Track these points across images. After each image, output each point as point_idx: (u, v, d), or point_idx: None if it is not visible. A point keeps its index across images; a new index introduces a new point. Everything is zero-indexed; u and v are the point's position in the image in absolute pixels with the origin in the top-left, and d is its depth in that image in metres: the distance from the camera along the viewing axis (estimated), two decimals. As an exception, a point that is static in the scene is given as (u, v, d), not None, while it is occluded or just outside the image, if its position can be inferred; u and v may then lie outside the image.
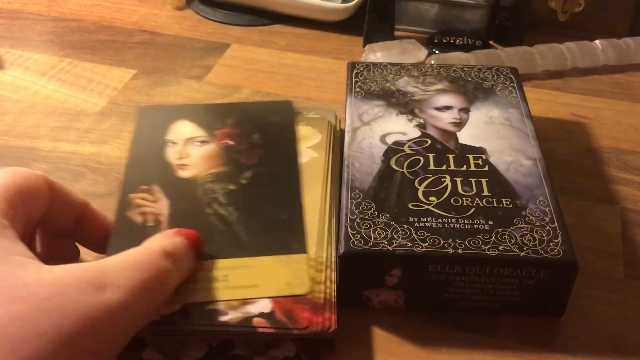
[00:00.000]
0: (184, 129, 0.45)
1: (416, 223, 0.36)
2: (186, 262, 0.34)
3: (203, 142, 0.43)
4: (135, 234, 0.37)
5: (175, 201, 0.39)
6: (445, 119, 0.44)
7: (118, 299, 0.28)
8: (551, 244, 0.35)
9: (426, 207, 0.37)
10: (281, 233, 0.37)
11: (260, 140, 0.43)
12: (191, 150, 0.43)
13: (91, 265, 0.29)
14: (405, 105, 0.45)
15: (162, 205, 0.39)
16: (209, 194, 0.39)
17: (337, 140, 0.45)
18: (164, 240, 0.33)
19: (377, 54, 0.58)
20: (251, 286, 0.34)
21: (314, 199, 0.39)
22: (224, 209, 0.39)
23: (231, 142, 0.43)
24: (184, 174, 0.41)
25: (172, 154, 0.42)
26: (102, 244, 0.37)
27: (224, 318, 0.33)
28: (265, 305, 0.34)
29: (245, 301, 0.34)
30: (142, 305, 0.29)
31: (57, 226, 0.36)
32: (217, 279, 0.35)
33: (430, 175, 0.39)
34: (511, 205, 0.37)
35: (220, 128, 0.44)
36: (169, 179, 0.41)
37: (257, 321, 0.33)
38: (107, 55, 0.61)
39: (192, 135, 0.44)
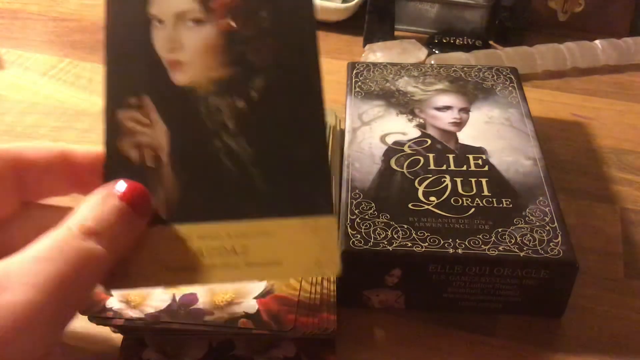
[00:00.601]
0: None
1: (416, 223, 0.36)
2: (123, 236, 0.28)
3: (198, 21, 0.32)
4: (133, 177, 0.29)
5: (174, 127, 0.31)
6: (445, 119, 0.44)
7: (21, 299, 0.24)
8: (551, 244, 0.35)
9: (426, 207, 0.37)
10: (304, 181, 0.30)
11: (269, 20, 0.32)
12: (184, 36, 0.32)
13: None
14: (405, 105, 0.45)
15: (159, 133, 0.31)
16: (214, 116, 0.31)
17: (337, 140, 0.45)
18: (87, 213, 0.27)
19: (377, 54, 0.58)
20: (275, 263, 0.29)
21: None
22: (234, 142, 0.31)
23: (233, 24, 0.32)
24: (179, 77, 0.31)
25: (160, 42, 0.32)
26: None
27: (209, 318, 0.33)
28: (251, 306, 0.33)
29: (231, 301, 0.33)
30: (58, 301, 0.25)
31: (49, 193, 0.31)
32: (235, 250, 0.29)
33: (430, 175, 0.39)
34: (511, 205, 0.37)
35: None
36: (162, 87, 0.31)
37: (242, 322, 0.33)
38: (107, 55, 0.60)
39: (182, 8, 0.32)
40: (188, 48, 0.32)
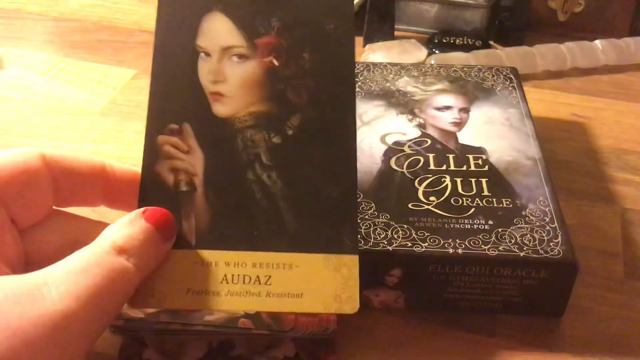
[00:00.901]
0: (218, 29, 0.34)
1: (416, 223, 0.36)
2: (149, 255, 0.29)
3: (242, 56, 0.33)
4: (167, 201, 0.31)
5: (210, 155, 0.32)
6: (445, 119, 0.44)
7: (61, 309, 0.25)
8: (551, 244, 0.35)
9: (426, 207, 0.37)
10: (331, 219, 0.31)
11: (311, 62, 0.33)
12: (228, 69, 0.33)
13: (31, 276, 0.26)
14: (405, 105, 0.45)
15: (196, 160, 0.32)
16: (249, 148, 0.32)
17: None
18: (118, 232, 0.29)
19: (377, 54, 0.58)
20: (296, 296, 0.29)
21: None
22: (267, 176, 0.31)
23: (276, 62, 0.33)
24: (220, 109, 0.32)
25: (204, 73, 0.33)
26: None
27: (209, 317, 0.33)
28: None
29: None
30: (93, 312, 0.26)
31: (80, 202, 0.32)
32: (259, 279, 0.30)
33: (430, 175, 0.39)
34: (511, 205, 0.37)
35: (263, 34, 0.33)
36: (203, 117, 0.32)
37: (242, 322, 0.33)
38: (107, 55, 0.61)
39: (229, 43, 0.33)
40: (230, 81, 0.33)
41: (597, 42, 0.59)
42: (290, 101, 0.33)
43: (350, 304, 0.29)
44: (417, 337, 0.36)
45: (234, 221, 0.31)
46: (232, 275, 0.30)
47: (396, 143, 0.42)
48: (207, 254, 0.30)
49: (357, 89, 0.47)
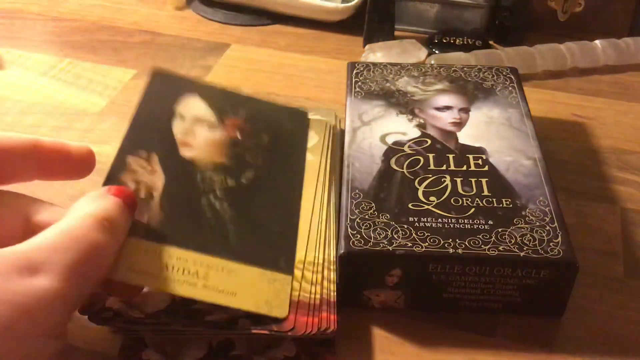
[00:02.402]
0: (195, 106, 0.42)
1: (416, 223, 0.36)
2: (122, 229, 0.31)
3: (211, 127, 0.41)
4: None
5: (171, 179, 0.37)
6: (445, 119, 0.44)
7: (52, 285, 0.26)
8: (551, 244, 0.35)
9: (426, 207, 0.37)
10: (271, 246, 0.36)
11: (268, 142, 0.42)
12: (198, 132, 0.40)
13: (18, 248, 0.27)
14: (405, 105, 0.45)
15: (157, 179, 0.37)
16: (207, 183, 0.38)
17: (337, 140, 0.45)
18: (96, 205, 0.30)
19: (377, 54, 0.58)
20: (229, 293, 0.33)
21: (307, 200, 0.39)
22: (219, 203, 0.37)
23: (239, 136, 0.41)
24: (186, 152, 0.39)
25: (178, 128, 0.40)
26: (70, 171, 0.35)
27: (209, 317, 0.33)
28: None
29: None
30: (77, 288, 0.28)
31: (17, 178, 0.34)
32: (197, 274, 0.33)
33: (430, 175, 0.39)
34: (511, 205, 0.37)
35: (231, 117, 0.42)
36: (170, 153, 0.38)
37: (242, 322, 0.33)
38: (107, 55, 0.61)
39: (202, 117, 0.41)
40: (198, 139, 0.40)
41: (597, 42, 0.59)
42: (247, 161, 0.40)
43: (280, 310, 0.33)
44: (417, 337, 0.36)
45: (183, 226, 0.35)
46: (173, 266, 0.33)
47: (396, 143, 0.42)
48: (154, 245, 0.34)
49: (357, 89, 0.47)
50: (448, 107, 0.45)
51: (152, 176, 0.37)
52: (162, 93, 0.42)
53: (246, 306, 0.33)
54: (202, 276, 0.33)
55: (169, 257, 0.33)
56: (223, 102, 0.43)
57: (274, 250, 0.36)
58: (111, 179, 0.35)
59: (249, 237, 0.36)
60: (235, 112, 0.43)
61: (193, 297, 0.32)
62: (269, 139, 0.42)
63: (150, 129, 0.39)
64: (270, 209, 0.38)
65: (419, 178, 0.39)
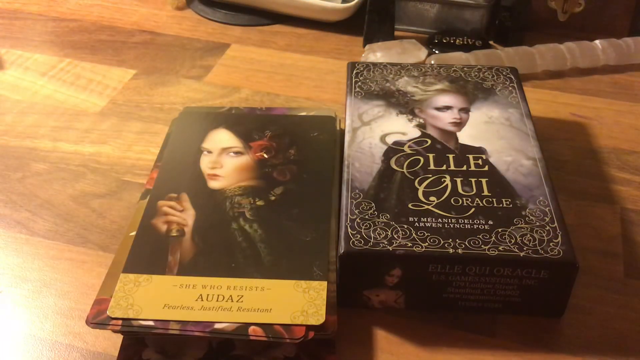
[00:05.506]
0: (221, 138, 0.45)
1: (416, 223, 0.36)
2: None
3: (237, 153, 0.44)
4: (157, 242, 0.38)
5: (201, 212, 0.39)
6: (445, 119, 0.44)
7: None
8: (551, 244, 0.35)
9: (426, 207, 0.37)
10: (304, 256, 0.37)
11: (296, 155, 0.43)
12: (225, 161, 0.43)
13: None
14: (405, 105, 0.45)
15: (188, 216, 0.39)
16: (235, 208, 0.39)
17: (337, 140, 0.45)
18: None
19: (377, 54, 0.58)
20: (265, 310, 0.34)
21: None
22: (249, 226, 0.38)
23: (266, 156, 0.43)
24: (214, 184, 0.41)
25: (205, 163, 0.43)
26: None
27: (219, 326, 0.33)
28: None
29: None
30: None
31: None
32: (232, 298, 0.34)
33: (430, 175, 0.39)
34: (511, 205, 0.37)
35: (257, 140, 0.44)
36: (199, 189, 0.41)
37: (253, 329, 0.33)
38: (107, 55, 0.61)
39: (227, 145, 0.44)
40: (226, 168, 0.43)
41: (597, 42, 0.59)
42: (275, 179, 0.42)
43: (316, 317, 0.33)
44: (417, 337, 0.36)
45: (214, 255, 0.37)
46: (207, 294, 0.34)
47: (396, 143, 0.42)
48: (186, 279, 0.35)
49: (357, 89, 0.47)
50: (448, 107, 0.45)
51: (183, 214, 0.39)
52: (188, 132, 0.45)
53: (282, 320, 0.33)
54: (237, 299, 0.34)
55: (202, 287, 0.35)
56: (248, 126, 0.46)
57: (307, 259, 0.36)
58: (143, 225, 0.38)
59: (281, 252, 0.37)
60: (261, 133, 0.45)
61: (229, 321, 0.33)
62: (295, 152, 0.44)
63: (178, 171, 0.42)
64: (301, 219, 0.39)
65: (419, 178, 0.39)
